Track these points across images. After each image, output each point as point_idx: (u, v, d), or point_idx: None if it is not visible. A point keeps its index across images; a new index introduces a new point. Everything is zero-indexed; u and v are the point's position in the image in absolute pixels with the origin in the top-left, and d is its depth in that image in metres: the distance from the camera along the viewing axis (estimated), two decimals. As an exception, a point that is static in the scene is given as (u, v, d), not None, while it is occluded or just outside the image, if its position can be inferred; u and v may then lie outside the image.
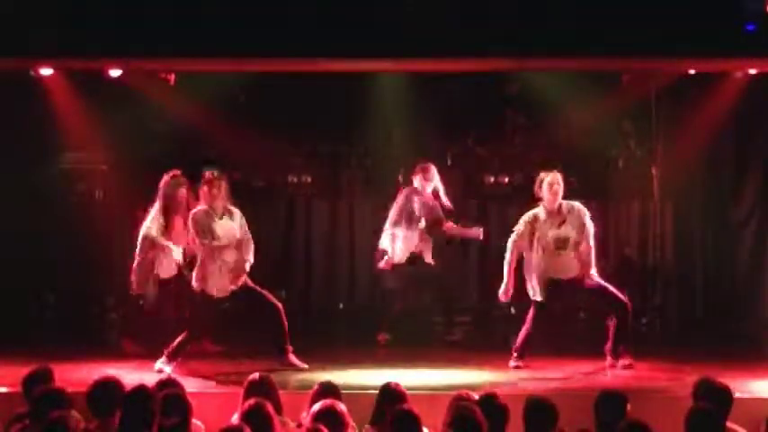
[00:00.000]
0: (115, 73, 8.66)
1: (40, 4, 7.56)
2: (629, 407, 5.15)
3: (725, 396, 5.26)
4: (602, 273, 8.03)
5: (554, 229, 7.72)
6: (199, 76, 9.41)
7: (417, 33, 7.46)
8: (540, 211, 7.79)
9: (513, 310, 10.15)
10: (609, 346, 7.73)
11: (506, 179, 10.44)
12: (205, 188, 7.58)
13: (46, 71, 8.56)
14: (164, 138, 10.47)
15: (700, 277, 10.16)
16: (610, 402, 5.16)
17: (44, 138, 9.68)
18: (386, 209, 9.98)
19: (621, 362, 7.67)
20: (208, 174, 7.64)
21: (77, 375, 6.78)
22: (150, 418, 4.90)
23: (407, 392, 5.50)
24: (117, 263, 10.24)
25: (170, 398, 5.11)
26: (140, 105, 9.92)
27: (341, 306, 10.28)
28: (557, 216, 7.74)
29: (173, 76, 9.24)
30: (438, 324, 9.80)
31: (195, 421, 5.34)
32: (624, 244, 10.46)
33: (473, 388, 5.91)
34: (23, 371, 5.79)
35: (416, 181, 8.99)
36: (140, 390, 5.04)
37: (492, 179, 10.40)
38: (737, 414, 5.29)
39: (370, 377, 7.14)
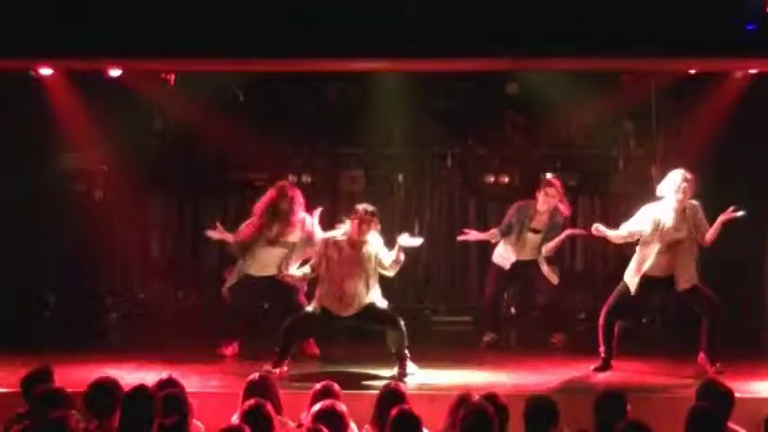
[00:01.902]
0: (115, 73, 8.66)
1: (40, 4, 7.56)
2: (629, 407, 5.15)
3: (727, 398, 5.27)
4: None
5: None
6: (199, 76, 9.41)
7: (417, 33, 7.45)
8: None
9: (513, 311, 10.18)
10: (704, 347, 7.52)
11: (506, 179, 10.46)
12: (355, 222, 7.42)
13: (46, 71, 8.56)
14: (163, 138, 10.49)
15: (700, 277, 10.14)
16: (610, 402, 5.16)
17: (44, 138, 9.68)
18: (385, 208, 10.03)
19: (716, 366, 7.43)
20: (361, 209, 7.45)
21: (77, 375, 6.77)
22: (150, 418, 4.90)
23: (407, 392, 5.50)
24: (117, 263, 10.28)
25: (170, 398, 5.11)
26: (140, 105, 9.93)
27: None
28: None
29: (173, 76, 9.25)
30: (439, 324, 9.85)
31: (195, 421, 5.34)
32: (624, 244, 10.45)
33: (473, 388, 5.91)
34: (23, 371, 5.79)
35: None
36: (140, 390, 5.04)
37: (492, 179, 10.41)
38: (738, 414, 5.29)
39: (370, 377, 7.15)
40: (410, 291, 10.47)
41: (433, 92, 10.27)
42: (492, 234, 8.81)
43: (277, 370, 7.24)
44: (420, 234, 10.49)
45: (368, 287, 7.46)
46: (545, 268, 8.71)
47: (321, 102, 10.49)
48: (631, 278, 7.68)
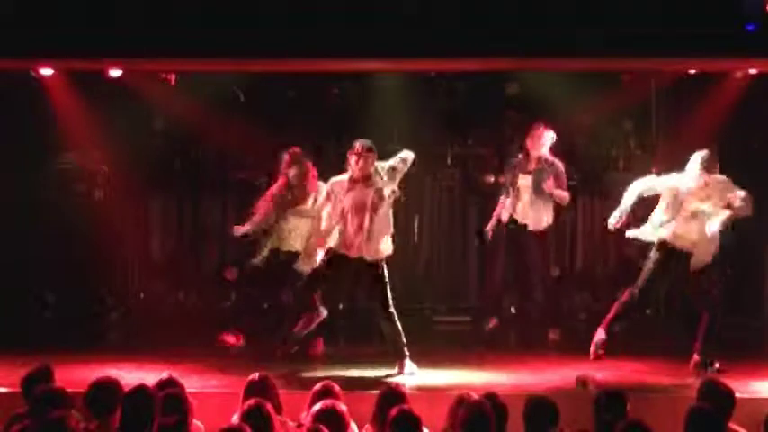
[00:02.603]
0: (115, 73, 8.66)
1: (40, 4, 7.56)
2: (629, 407, 5.15)
3: (728, 398, 5.27)
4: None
5: None
6: (199, 76, 9.41)
7: (417, 33, 7.46)
8: None
9: (513, 310, 10.18)
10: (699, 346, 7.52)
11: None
12: (353, 158, 7.55)
13: (46, 71, 8.56)
14: (164, 137, 10.49)
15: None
16: (610, 402, 5.16)
17: (44, 138, 9.68)
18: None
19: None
20: (357, 145, 7.59)
21: (77, 375, 6.77)
22: (150, 418, 4.90)
23: (407, 392, 5.50)
24: (117, 263, 10.28)
25: (170, 398, 5.11)
26: (140, 105, 9.93)
27: (341, 306, 10.29)
28: None
29: (173, 76, 9.25)
30: (439, 324, 9.83)
31: (195, 421, 5.34)
32: (624, 244, 10.46)
33: (473, 388, 5.91)
34: (23, 371, 5.79)
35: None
36: (140, 390, 5.04)
37: (492, 179, 10.40)
38: (738, 414, 5.30)
39: (370, 377, 7.15)
40: (410, 290, 10.46)
41: (433, 92, 10.26)
42: (501, 205, 8.94)
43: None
44: (420, 234, 10.54)
45: (384, 225, 7.47)
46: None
47: (321, 102, 10.49)
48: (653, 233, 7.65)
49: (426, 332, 9.57)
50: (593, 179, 10.48)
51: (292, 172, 8.28)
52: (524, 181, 8.83)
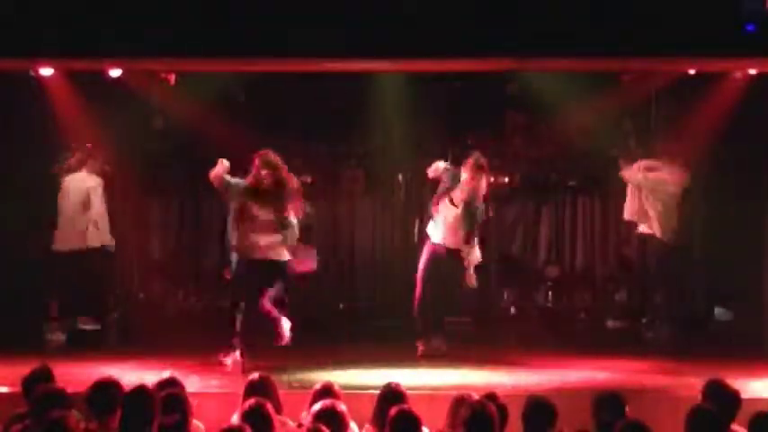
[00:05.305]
0: (115, 73, 8.66)
1: (40, 4, 7.56)
2: (628, 407, 5.15)
3: (733, 400, 5.26)
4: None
5: None
6: (199, 76, 9.41)
7: (417, 33, 7.46)
8: None
9: (513, 310, 10.19)
10: None
11: (506, 179, 10.46)
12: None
13: (46, 71, 8.56)
14: (164, 137, 10.49)
15: (700, 277, 10.15)
16: (609, 402, 5.16)
17: (44, 138, 9.68)
18: (385, 208, 10.02)
19: None
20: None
21: (77, 375, 6.77)
22: (150, 418, 4.90)
23: (407, 392, 5.50)
24: (117, 263, 10.27)
25: (170, 398, 5.11)
26: (140, 105, 9.92)
27: (341, 306, 10.32)
28: None
29: (173, 76, 9.25)
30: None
31: (195, 421, 5.35)
32: (624, 244, 10.47)
33: (473, 388, 5.91)
34: (23, 371, 5.79)
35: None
36: (140, 390, 5.04)
37: (492, 179, 10.40)
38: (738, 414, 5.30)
39: (370, 377, 7.15)
40: (410, 291, 10.46)
41: (433, 92, 10.27)
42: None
43: None
44: (419, 234, 10.54)
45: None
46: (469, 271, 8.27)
47: (321, 102, 10.49)
48: None
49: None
50: (593, 179, 10.48)
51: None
52: (451, 209, 8.24)
